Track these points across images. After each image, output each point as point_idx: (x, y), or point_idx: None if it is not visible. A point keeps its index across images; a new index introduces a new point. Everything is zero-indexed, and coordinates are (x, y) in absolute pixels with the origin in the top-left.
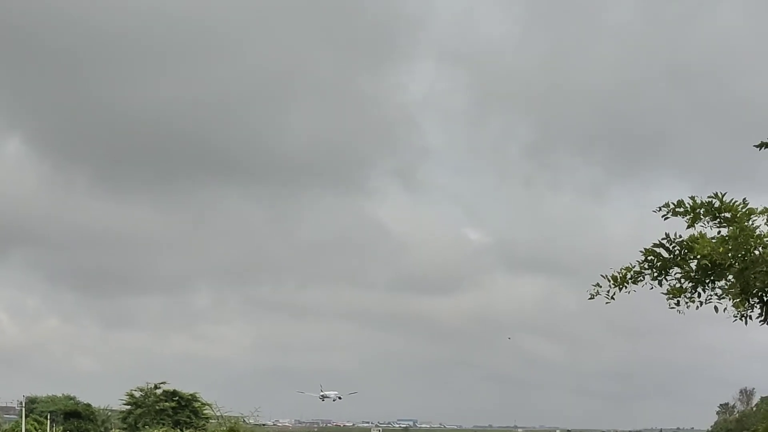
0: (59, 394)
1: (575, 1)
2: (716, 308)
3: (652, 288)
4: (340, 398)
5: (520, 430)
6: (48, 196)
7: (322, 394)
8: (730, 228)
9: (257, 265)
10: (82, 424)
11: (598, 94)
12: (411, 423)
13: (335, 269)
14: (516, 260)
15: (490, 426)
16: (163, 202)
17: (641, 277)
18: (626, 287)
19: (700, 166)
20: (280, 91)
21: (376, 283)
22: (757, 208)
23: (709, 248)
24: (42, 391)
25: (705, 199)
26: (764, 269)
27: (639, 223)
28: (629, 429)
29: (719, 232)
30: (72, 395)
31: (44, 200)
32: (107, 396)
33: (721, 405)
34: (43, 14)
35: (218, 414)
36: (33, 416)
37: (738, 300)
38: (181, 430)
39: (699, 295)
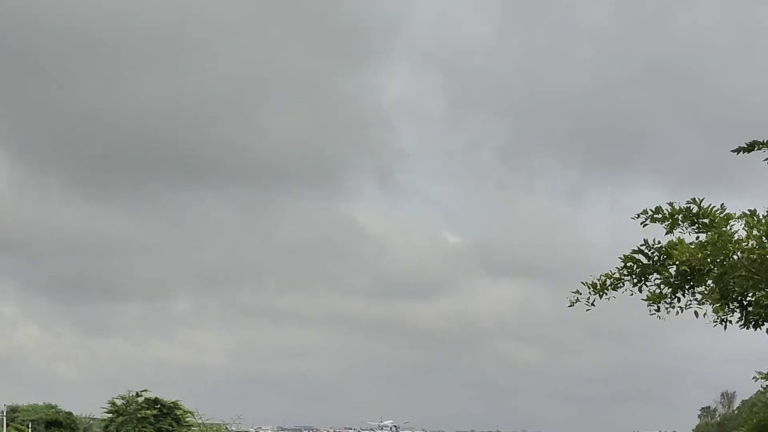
0: (40, 403)
1: (551, 1)
2: (696, 313)
3: (632, 294)
4: (396, 426)
5: None
6: (22, 201)
7: (381, 423)
8: (709, 233)
9: (235, 270)
10: None
11: (574, 96)
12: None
13: (314, 273)
14: (495, 264)
15: (473, 431)
16: (139, 207)
17: (621, 284)
18: (606, 294)
19: (678, 168)
20: (255, 92)
21: (355, 287)
22: (735, 213)
23: (687, 254)
24: (22, 399)
25: (683, 205)
26: (743, 274)
27: (617, 225)
28: None
29: (698, 238)
30: (53, 404)
31: (18, 206)
32: (88, 404)
33: (702, 408)
34: (11, 15)
35: (200, 421)
36: (14, 425)
37: (717, 305)
38: None
39: (679, 301)
